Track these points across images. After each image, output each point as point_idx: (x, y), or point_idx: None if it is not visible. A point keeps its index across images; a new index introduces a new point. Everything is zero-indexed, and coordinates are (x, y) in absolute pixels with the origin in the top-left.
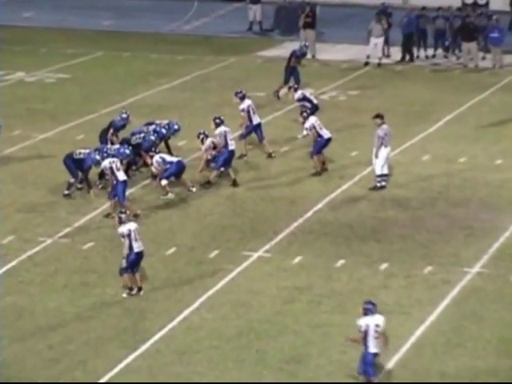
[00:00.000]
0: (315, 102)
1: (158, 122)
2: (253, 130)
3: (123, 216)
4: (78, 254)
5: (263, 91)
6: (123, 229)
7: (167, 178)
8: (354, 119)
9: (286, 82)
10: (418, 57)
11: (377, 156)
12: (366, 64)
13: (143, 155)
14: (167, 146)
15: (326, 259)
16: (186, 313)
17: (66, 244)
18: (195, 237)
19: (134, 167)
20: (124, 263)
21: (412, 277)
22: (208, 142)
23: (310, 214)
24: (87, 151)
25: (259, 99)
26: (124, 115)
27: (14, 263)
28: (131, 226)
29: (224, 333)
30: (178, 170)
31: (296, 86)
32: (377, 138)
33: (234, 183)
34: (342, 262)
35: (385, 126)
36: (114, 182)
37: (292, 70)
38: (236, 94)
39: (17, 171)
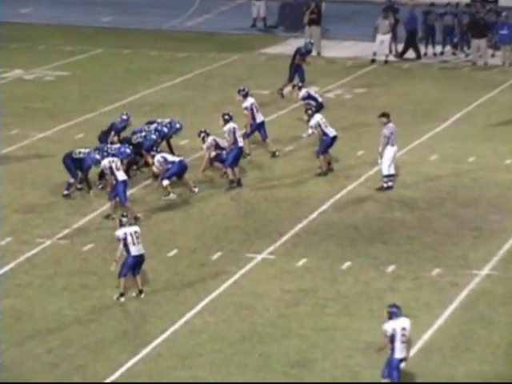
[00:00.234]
0: (320, 100)
1: (159, 120)
2: (256, 128)
3: (124, 219)
4: (77, 255)
5: (267, 89)
6: (119, 232)
7: (169, 178)
8: (360, 118)
9: (291, 79)
10: (425, 54)
11: (381, 156)
12: (373, 61)
13: (144, 155)
14: (169, 146)
15: (331, 261)
16: (188, 316)
17: (65, 246)
18: (197, 238)
19: (134, 167)
20: (115, 266)
21: (420, 279)
22: (209, 140)
23: (314, 215)
24: (87, 150)
25: (263, 97)
26: (124, 117)
27: (11, 265)
28: (129, 229)
29: (227, 336)
30: (180, 169)
31: (300, 84)
32: (382, 138)
33: (238, 183)
34: (347, 264)
35: (390, 125)
36: (114, 182)
37: (297, 68)
38: (239, 91)
39: (15, 171)
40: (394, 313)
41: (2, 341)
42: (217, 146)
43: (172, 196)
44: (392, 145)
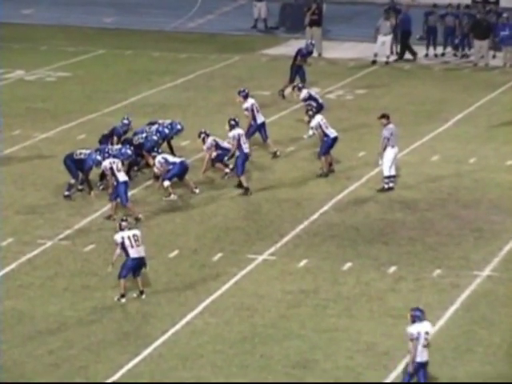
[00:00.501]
0: (320, 101)
1: (160, 121)
2: (257, 129)
3: (124, 223)
4: (78, 256)
5: (268, 90)
6: (117, 236)
7: (170, 179)
8: (361, 119)
9: (292, 80)
10: (427, 55)
11: (381, 157)
12: (374, 62)
13: (145, 156)
14: (170, 147)
15: (332, 262)
16: (189, 317)
17: (66, 246)
18: (198, 239)
19: (135, 168)
20: (112, 268)
21: (421, 280)
22: (209, 140)
23: (316, 216)
24: (88, 151)
25: (264, 98)
26: (125, 121)
27: (13, 266)
28: (128, 233)
29: (228, 337)
30: (181, 170)
31: (301, 85)
32: (382, 139)
33: (239, 185)
34: (348, 265)
35: (391, 126)
36: (115, 183)
37: (298, 69)
38: (239, 92)
39: (16, 172)
40: (417, 316)
41: (4, 342)
42: (217, 147)
43: (173, 197)
44: (392, 146)
